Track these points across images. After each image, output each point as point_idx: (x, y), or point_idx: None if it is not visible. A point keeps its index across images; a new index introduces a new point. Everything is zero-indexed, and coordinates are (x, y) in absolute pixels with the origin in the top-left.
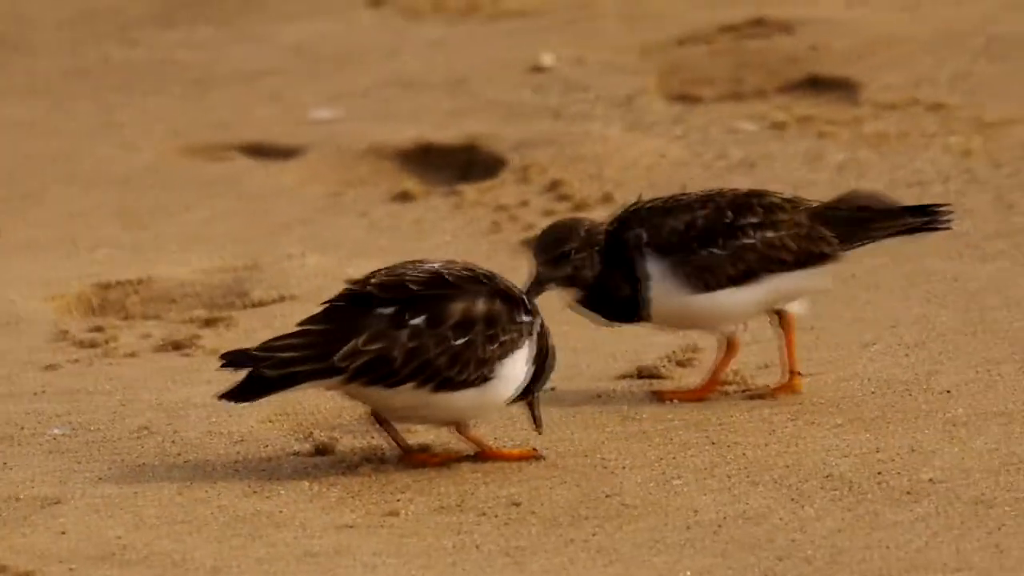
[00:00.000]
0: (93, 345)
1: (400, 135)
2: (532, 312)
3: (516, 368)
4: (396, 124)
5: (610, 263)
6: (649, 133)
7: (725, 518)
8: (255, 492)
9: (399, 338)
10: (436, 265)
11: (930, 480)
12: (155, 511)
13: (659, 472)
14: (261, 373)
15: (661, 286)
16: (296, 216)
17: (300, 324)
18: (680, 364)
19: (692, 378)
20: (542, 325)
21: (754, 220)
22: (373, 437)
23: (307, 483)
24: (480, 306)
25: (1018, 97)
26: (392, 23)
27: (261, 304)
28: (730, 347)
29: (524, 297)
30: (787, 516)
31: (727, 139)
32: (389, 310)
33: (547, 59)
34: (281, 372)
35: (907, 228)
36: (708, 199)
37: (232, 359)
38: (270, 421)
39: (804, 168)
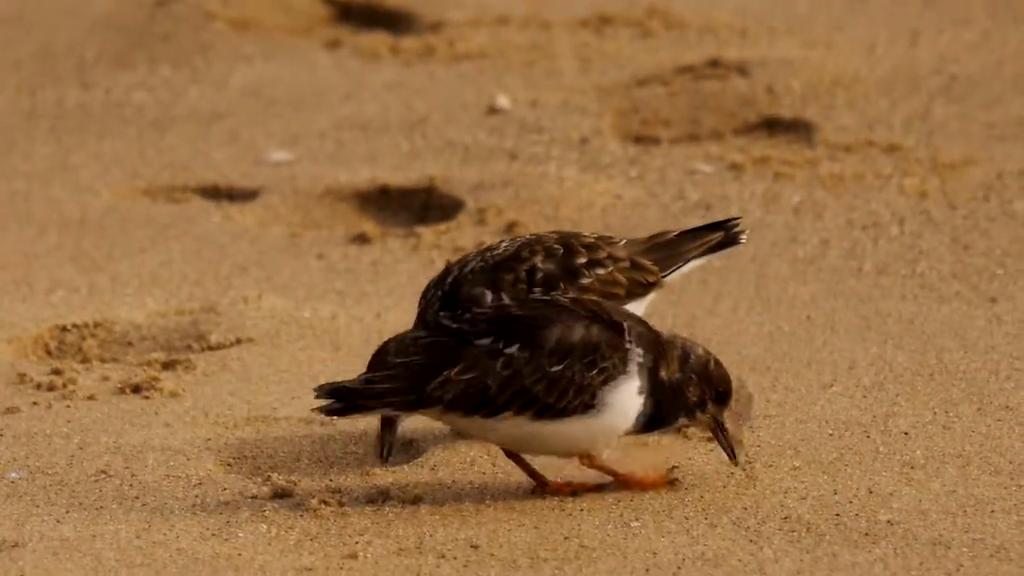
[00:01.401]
0: (51, 388)
1: (357, 177)
2: (647, 345)
3: (623, 397)
4: (353, 166)
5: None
6: (605, 174)
7: (684, 560)
8: (214, 535)
9: (494, 367)
10: (537, 293)
11: (888, 522)
12: (114, 554)
13: (617, 514)
14: (356, 406)
15: None
16: (253, 258)
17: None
18: None
19: None
20: (659, 359)
21: (583, 260)
22: (331, 480)
23: (265, 526)
24: (578, 332)
25: (974, 138)
26: (349, 65)
27: (219, 347)
28: None
29: (635, 326)
30: (745, 558)
31: (684, 180)
32: (486, 340)
33: (503, 101)
34: (376, 404)
35: (712, 245)
36: (531, 244)
37: (328, 393)
38: (228, 464)
39: (760, 210)
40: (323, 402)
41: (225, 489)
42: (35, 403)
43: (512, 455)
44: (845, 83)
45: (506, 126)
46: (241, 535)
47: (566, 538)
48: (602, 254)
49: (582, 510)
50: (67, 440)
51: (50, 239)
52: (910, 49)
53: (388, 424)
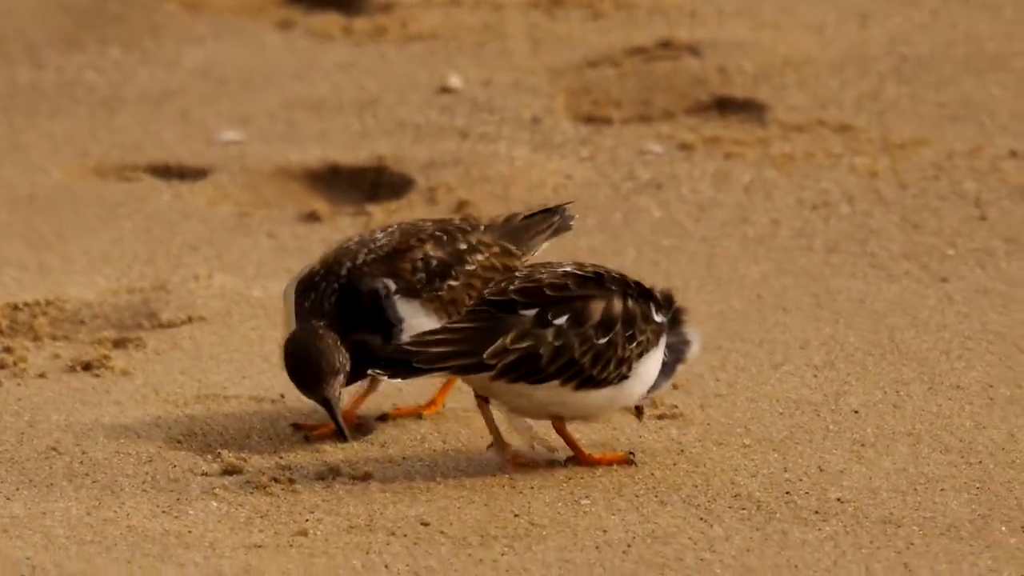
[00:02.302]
0: (2, 366)
1: (308, 156)
2: (666, 312)
3: (651, 367)
4: (304, 145)
5: (355, 325)
6: (556, 154)
7: (634, 537)
8: (164, 512)
9: (545, 336)
10: (568, 268)
11: (838, 500)
12: (64, 531)
13: (567, 492)
14: (413, 367)
15: (414, 328)
16: (203, 237)
17: (447, 324)
18: None
19: None
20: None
21: (463, 246)
22: (282, 457)
23: (216, 503)
24: (618, 306)
25: (925, 119)
26: (300, 45)
27: (170, 325)
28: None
29: (658, 296)
30: (696, 535)
31: (635, 160)
32: (531, 312)
33: (455, 80)
34: (432, 367)
35: (555, 229)
36: (414, 233)
37: (387, 353)
38: (178, 441)
39: (712, 189)
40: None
41: (175, 466)
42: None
43: (556, 426)
44: (796, 63)
45: (457, 106)
46: (191, 512)
47: (516, 515)
48: (475, 239)
49: (532, 487)
50: (17, 417)
51: (9, 217)
52: (861, 30)
53: (328, 405)
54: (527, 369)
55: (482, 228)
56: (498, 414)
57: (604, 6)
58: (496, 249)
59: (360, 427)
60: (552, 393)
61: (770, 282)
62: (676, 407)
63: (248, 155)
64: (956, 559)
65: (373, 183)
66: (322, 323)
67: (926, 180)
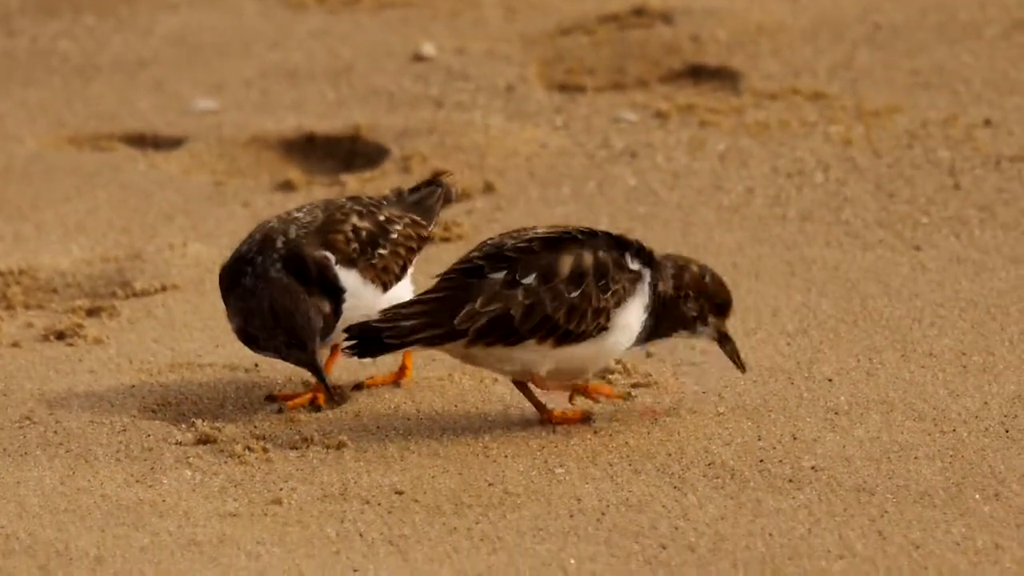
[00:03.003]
0: None
1: (282, 125)
2: (646, 262)
3: (630, 317)
4: (279, 114)
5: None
6: (530, 123)
7: (608, 506)
8: (138, 481)
9: (515, 296)
10: (538, 231)
11: (812, 468)
12: (38, 500)
13: (541, 460)
14: (383, 342)
15: (355, 298)
16: (178, 206)
17: (416, 297)
18: None
19: None
20: (657, 276)
21: (383, 217)
22: (255, 426)
23: (190, 472)
24: (588, 258)
25: (898, 86)
26: (275, 13)
27: (144, 294)
28: None
29: (635, 245)
30: (670, 504)
31: (609, 128)
32: (500, 275)
33: (429, 48)
34: (403, 341)
35: (444, 199)
36: (337, 208)
37: (356, 333)
38: (152, 411)
39: (686, 157)
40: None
41: (149, 435)
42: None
43: (520, 385)
44: (770, 31)
45: (431, 74)
46: (165, 481)
47: (490, 484)
48: (386, 212)
49: (506, 456)
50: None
51: None
52: None
53: (315, 365)
54: (501, 331)
55: (385, 203)
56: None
57: None
58: (407, 220)
59: (335, 396)
60: (532, 352)
61: (744, 250)
62: (650, 375)
63: (223, 124)
64: (930, 526)
65: (348, 152)
66: (289, 281)
67: (900, 148)
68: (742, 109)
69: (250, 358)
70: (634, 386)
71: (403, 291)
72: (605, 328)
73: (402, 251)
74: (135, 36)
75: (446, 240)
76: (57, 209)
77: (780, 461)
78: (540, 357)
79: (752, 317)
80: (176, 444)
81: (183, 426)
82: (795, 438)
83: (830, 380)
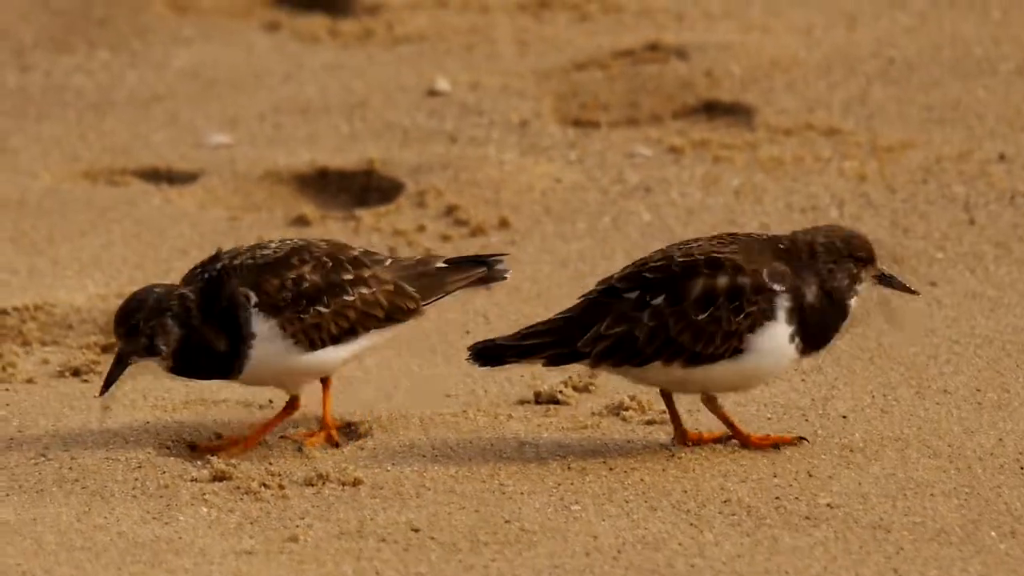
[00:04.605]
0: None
1: (296, 160)
2: (786, 284)
3: (771, 341)
4: (292, 148)
5: (206, 319)
6: (545, 158)
7: (624, 543)
8: (154, 518)
9: (640, 319)
10: (700, 242)
11: (828, 505)
12: (54, 537)
13: (557, 497)
14: (508, 360)
15: (267, 346)
16: (193, 241)
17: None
18: (578, 389)
19: (590, 403)
20: (799, 291)
21: (349, 276)
22: (271, 463)
23: (206, 509)
24: (722, 280)
25: (913, 122)
26: (287, 48)
27: None
28: (293, 405)
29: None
30: (686, 541)
31: (623, 164)
32: (633, 295)
33: (443, 83)
34: (526, 358)
35: (475, 280)
36: (301, 251)
37: (480, 351)
38: (167, 447)
39: (701, 192)
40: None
41: (165, 472)
42: None
43: (665, 396)
44: (784, 67)
45: (446, 109)
46: (181, 518)
47: (507, 521)
48: (367, 273)
49: (522, 493)
50: (6, 423)
51: None
52: (848, 33)
53: (118, 361)
54: (625, 353)
55: (387, 263)
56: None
57: (591, 9)
58: (390, 287)
59: (348, 431)
60: (663, 372)
61: None
62: (665, 413)
63: (237, 159)
64: (946, 564)
65: (362, 187)
66: (179, 288)
67: (915, 184)
68: (756, 145)
69: (264, 394)
70: (649, 423)
71: (335, 355)
72: (740, 350)
73: (353, 315)
74: (149, 71)
75: None
76: (72, 244)
77: (796, 498)
78: (674, 377)
79: None
80: (192, 481)
81: (199, 463)
82: (811, 475)
83: (845, 417)
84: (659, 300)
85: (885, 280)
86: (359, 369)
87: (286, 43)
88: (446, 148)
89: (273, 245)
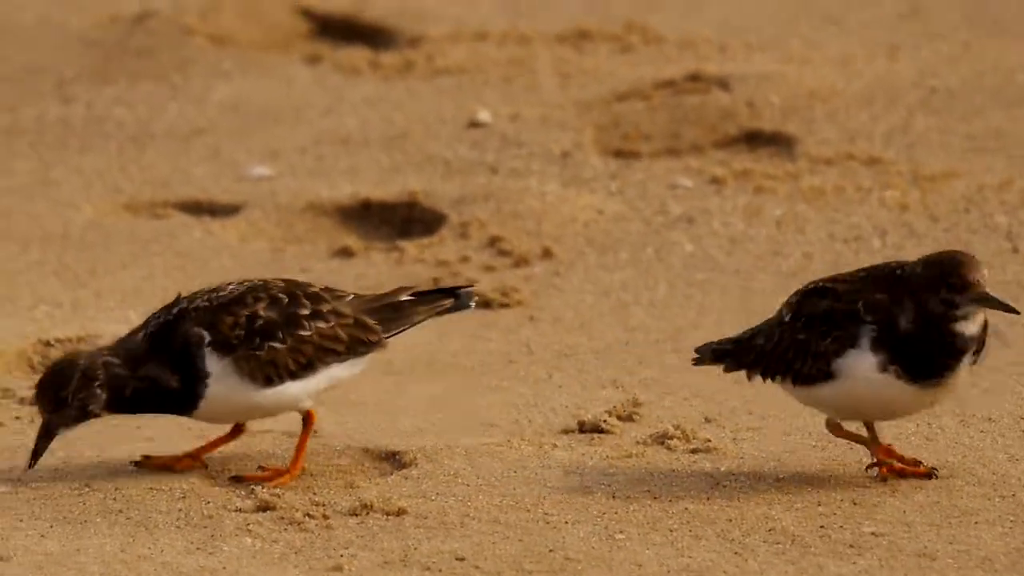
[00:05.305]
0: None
1: (338, 192)
2: (877, 314)
3: (856, 368)
4: (334, 181)
5: (155, 361)
6: (587, 189)
7: (669, 572)
8: (198, 548)
9: (772, 334)
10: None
11: (872, 533)
12: (99, 568)
13: (602, 526)
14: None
15: (221, 383)
16: (235, 273)
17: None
18: (622, 418)
19: (634, 432)
20: (890, 321)
21: (306, 312)
22: (315, 493)
23: (250, 539)
24: (822, 303)
25: (954, 151)
26: (329, 80)
27: None
28: (308, 420)
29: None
30: (731, 570)
31: (665, 194)
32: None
33: (484, 115)
34: (711, 362)
35: (441, 310)
36: (257, 290)
37: (702, 353)
38: (212, 477)
39: (743, 223)
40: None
41: (209, 502)
42: (18, 417)
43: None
44: (825, 97)
45: (487, 140)
46: (226, 548)
47: (551, 550)
48: (326, 307)
49: (567, 522)
50: (51, 454)
51: (32, 254)
52: (889, 62)
53: (45, 433)
54: (759, 366)
55: (349, 297)
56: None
57: (632, 39)
58: (349, 321)
59: (392, 460)
60: (786, 389)
61: None
62: (709, 441)
63: (279, 191)
64: None
65: (405, 219)
66: (102, 353)
67: (957, 213)
68: (798, 175)
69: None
70: (693, 451)
71: (295, 389)
72: (828, 375)
73: (310, 349)
74: (190, 103)
75: (504, 306)
76: (114, 276)
77: (841, 526)
78: (795, 395)
79: None
80: (236, 511)
81: (243, 493)
82: (855, 503)
83: (889, 445)
84: (787, 318)
85: (982, 300)
86: (402, 399)
87: (327, 76)
88: (488, 179)
89: (231, 286)
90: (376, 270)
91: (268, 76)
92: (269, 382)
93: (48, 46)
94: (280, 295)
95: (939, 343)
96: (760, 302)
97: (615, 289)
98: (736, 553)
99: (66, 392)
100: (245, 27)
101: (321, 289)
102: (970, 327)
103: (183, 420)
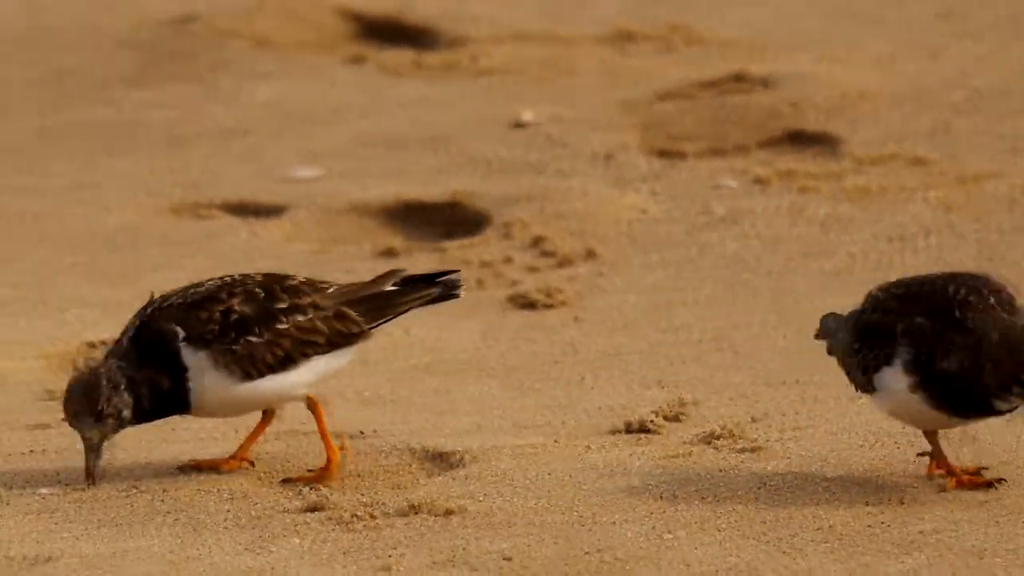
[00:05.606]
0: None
1: (382, 192)
2: (914, 337)
3: (890, 386)
4: (377, 181)
5: (145, 364)
6: (631, 189)
7: (718, 571)
8: (247, 550)
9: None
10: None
11: (920, 532)
12: (147, 569)
13: (650, 526)
14: None
15: (201, 378)
16: None
17: None
18: (668, 418)
19: (681, 432)
20: (931, 352)
21: (283, 305)
22: (363, 493)
23: (298, 540)
24: (874, 317)
25: (997, 150)
26: (370, 81)
27: None
28: (312, 407)
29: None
30: (779, 569)
31: (709, 194)
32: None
33: (528, 115)
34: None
35: (428, 299)
36: (232, 285)
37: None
38: (260, 478)
39: (787, 223)
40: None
41: (257, 503)
42: (64, 419)
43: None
44: (869, 96)
45: (531, 141)
46: (274, 549)
47: (599, 550)
48: (305, 300)
49: (615, 522)
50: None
51: (71, 257)
52: (931, 63)
53: (85, 444)
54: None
55: (330, 290)
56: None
57: (675, 40)
58: (328, 313)
59: (441, 461)
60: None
61: None
62: (756, 441)
63: (322, 192)
64: None
65: (448, 219)
66: (113, 361)
67: (1000, 212)
68: (842, 174)
69: (355, 425)
70: (740, 451)
71: (278, 383)
72: (870, 389)
73: (288, 343)
74: (232, 105)
75: (548, 307)
76: (158, 277)
77: (888, 526)
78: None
79: None
80: (284, 512)
81: (291, 494)
82: (903, 502)
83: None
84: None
85: None
86: (449, 400)
87: (370, 77)
88: (532, 180)
89: (208, 283)
90: (419, 271)
91: (311, 77)
92: (248, 376)
93: (87, 49)
94: (256, 290)
95: (977, 405)
96: (803, 302)
97: (659, 289)
98: (784, 553)
99: (100, 403)
100: (286, 29)
101: (301, 281)
102: (1012, 404)
103: (228, 421)
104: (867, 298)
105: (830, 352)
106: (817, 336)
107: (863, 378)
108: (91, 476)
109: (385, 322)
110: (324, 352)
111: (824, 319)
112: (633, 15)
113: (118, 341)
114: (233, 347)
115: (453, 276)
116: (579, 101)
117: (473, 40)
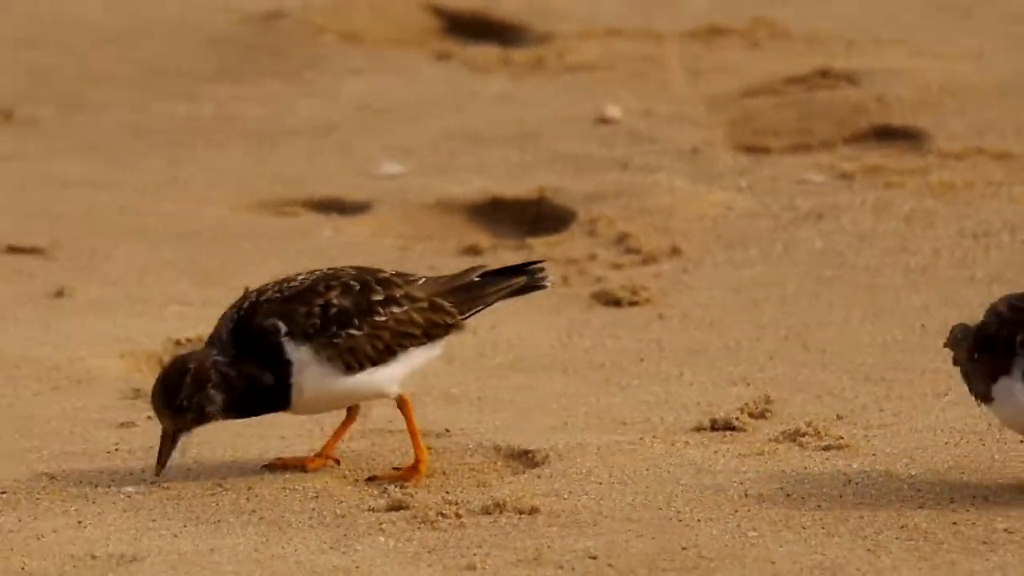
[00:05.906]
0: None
1: (468, 188)
2: None
3: (1008, 395)
4: (464, 177)
5: (245, 359)
6: (716, 185)
7: (802, 569)
8: (332, 548)
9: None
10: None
11: (1006, 530)
12: (232, 567)
13: (734, 524)
14: None
15: (305, 372)
16: None
17: None
18: (754, 415)
19: (766, 429)
20: None
21: (379, 297)
22: (448, 492)
23: (383, 538)
24: (992, 326)
25: None
26: (457, 78)
27: None
28: (402, 404)
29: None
30: (864, 567)
31: (795, 190)
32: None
33: (613, 111)
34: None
35: (515, 289)
36: (327, 279)
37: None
38: (344, 477)
39: (872, 218)
40: None
41: (342, 502)
42: (150, 417)
43: None
44: (955, 91)
45: (616, 136)
46: (359, 548)
47: (684, 548)
48: (399, 292)
49: (699, 520)
50: (182, 454)
51: (162, 253)
52: (1019, 57)
53: (167, 439)
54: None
55: (420, 281)
56: None
57: (760, 36)
58: (424, 304)
59: (523, 458)
60: None
61: (932, 312)
62: (841, 438)
63: (408, 188)
64: None
65: (534, 216)
66: (211, 353)
67: None
68: (927, 170)
69: (441, 423)
70: (825, 448)
71: (379, 376)
72: (989, 398)
73: (387, 335)
74: (320, 101)
75: (633, 304)
76: (244, 274)
77: (973, 523)
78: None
79: (943, 379)
80: (369, 510)
81: (375, 492)
82: (987, 500)
83: (1022, 442)
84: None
85: None
86: (533, 398)
87: (457, 72)
88: (617, 176)
89: (300, 276)
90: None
91: (398, 73)
92: (350, 369)
93: (178, 45)
94: (351, 282)
95: None
96: (888, 298)
97: (744, 286)
98: (869, 550)
99: (180, 398)
100: (375, 25)
101: (392, 274)
102: None
103: (313, 418)
104: (989, 310)
105: (955, 362)
106: (946, 345)
107: (982, 388)
108: (160, 465)
109: (477, 312)
110: (420, 344)
111: (954, 328)
112: (719, 10)
113: (215, 335)
114: (335, 340)
115: (540, 266)
116: (665, 96)
117: (559, 36)
